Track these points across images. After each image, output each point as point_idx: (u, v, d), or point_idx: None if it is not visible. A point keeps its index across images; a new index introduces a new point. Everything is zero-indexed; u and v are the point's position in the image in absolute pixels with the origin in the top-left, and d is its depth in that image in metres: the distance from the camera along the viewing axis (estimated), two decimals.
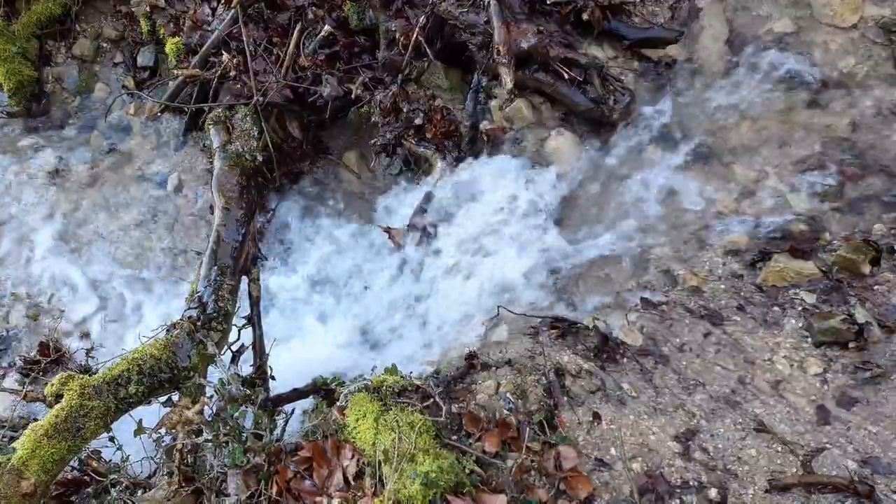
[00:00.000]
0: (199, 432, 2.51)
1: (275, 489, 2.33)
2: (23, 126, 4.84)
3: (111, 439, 2.69)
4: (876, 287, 2.97)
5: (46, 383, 2.43)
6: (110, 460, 2.85)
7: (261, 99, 3.84)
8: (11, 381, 3.57)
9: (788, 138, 3.71)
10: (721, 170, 3.72)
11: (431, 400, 2.57)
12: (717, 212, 3.57)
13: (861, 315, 2.82)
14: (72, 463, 2.69)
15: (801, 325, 2.93)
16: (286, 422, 2.81)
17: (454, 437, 2.47)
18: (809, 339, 2.87)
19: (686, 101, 3.88)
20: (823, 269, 3.10)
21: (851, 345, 2.78)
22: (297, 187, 4.27)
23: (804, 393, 2.69)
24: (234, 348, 2.97)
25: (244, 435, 2.48)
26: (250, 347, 3.09)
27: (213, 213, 3.41)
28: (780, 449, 2.47)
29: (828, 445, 2.47)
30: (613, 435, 2.54)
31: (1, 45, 4.62)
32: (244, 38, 3.95)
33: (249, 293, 3.27)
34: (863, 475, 2.34)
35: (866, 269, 3.03)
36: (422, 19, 3.71)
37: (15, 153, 4.72)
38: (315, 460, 2.39)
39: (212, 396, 2.62)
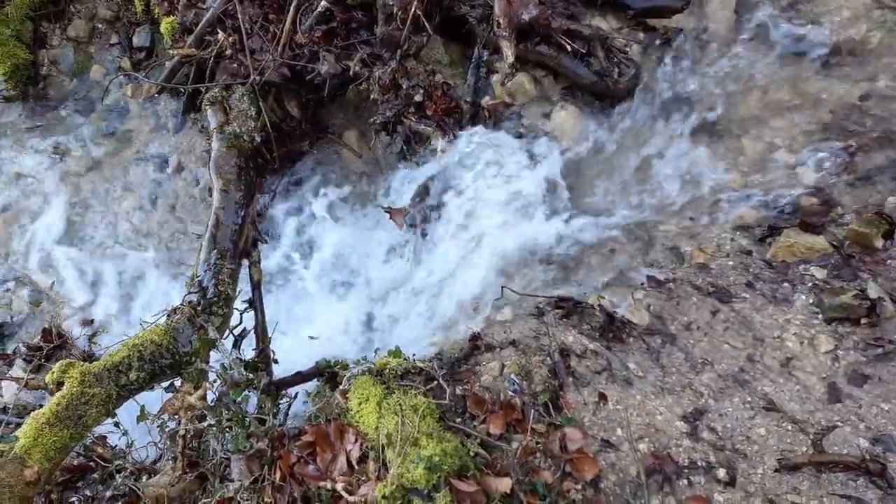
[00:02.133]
0: (202, 417, 2.49)
1: (278, 474, 2.32)
2: (20, 110, 4.78)
3: (116, 425, 2.69)
4: (889, 261, 2.90)
5: (49, 370, 2.42)
6: (116, 446, 2.85)
7: (258, 78, 3.75)
8: (17, 368, 3.58)
9: (799, 109, 3.61)
10: (729, 142, 3.63)
11: (435, 382, 2.55)
12: (726, 186, 3.49)
13: (873, 290, 2.76)
14: (77, 449, 2.70)
15: (811, 301, 2.87)
16: (289, 406, 2.79)
17: (458, 420, 2.44)
18: (820, 316, 2.82)
19: (693, 73, 3.78)
20: (835, 243, 3.03)
21: (863, 321, 2.72)
22: (297, 167, 4.21)
23: (815, 370, 2.64)
24: (235, 332, 2.95)
25: (247, 420, 2.47)
26: (252, 331, 3.07)
27: (212, 196, 3.37)
28: (789, 428, 2.44)
29: (839, 424, 2.43)
30: (620, 415, 2.51)
31: None
32: (239, 16, 3.85)
33: (250, 276, 3.24)
34: (874, 453, 2.30)
35: (879, 242, 2.96)
36: None
37: (13, 138, 4.68)
38: (318, 445, 2.37)
39: (214, 381, 2.61)
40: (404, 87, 3.74)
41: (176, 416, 2.50)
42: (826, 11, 3.76)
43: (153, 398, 2.56)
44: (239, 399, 2.51)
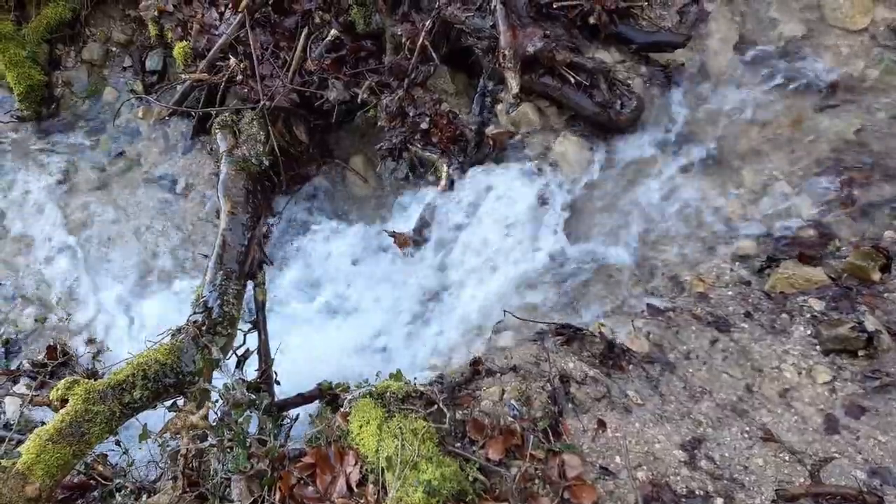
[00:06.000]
0: (203, 437, 2.51)
1: (278, 495, 2.32)
2: (33, 130, 4.88)
3: (117, 443, 2.71)
4: (886, 294, 2.94)
5: (53, 387, 2.44)
6: (116, 464, 2.86)
7: (267, 103, 3.84)
8: (21, 384, 3.60)
9: (798, 143, 3.67)
10: (729, 175, 3.69)
11: (435, 406, 2.56)
12: (725, 217, 3.54)
13: (870, 323, 2.78)
14: (78, 466, 2.70)
15: (809, 332, 2.90)
16: (290, 427, 2.80)
17: (458, 445, 2.45)
18: (818, 347, 2.84)
19: (694, 106, 3.85)
20: (832, 275, 3.07)
21: (861, 353, 2.74)
22: (304, 191, 4.27)
23: (812, 402, 2.66)
24: (239, 353, 2.97)
25: (248, 440, 2.48)
26: (256, 352, 3.09)
27: (219, 217, 3.42)
28: (787, 458, 2.44)
29: (836, 455, 2.44)
30: (618, 443, 2.52)
31: (11, 50, 4.67)
32: (251, 43, 3.96)
33: (255, 297, 3.28)
34: (872, 486, 2.31)
35: (876, 276, 2.99)
36: (428, 23, 3.70)
37: (25, 157, 4.76)
38: (318, 466, 2.38)
39: (217, 401, 2.63)
40: (411, 114, 3.82)
41: (177, 436, 2.52)
42: (825, 49, 3.84)
43: (155, 417, 2.58)
44: (241, 419, 2.53)
